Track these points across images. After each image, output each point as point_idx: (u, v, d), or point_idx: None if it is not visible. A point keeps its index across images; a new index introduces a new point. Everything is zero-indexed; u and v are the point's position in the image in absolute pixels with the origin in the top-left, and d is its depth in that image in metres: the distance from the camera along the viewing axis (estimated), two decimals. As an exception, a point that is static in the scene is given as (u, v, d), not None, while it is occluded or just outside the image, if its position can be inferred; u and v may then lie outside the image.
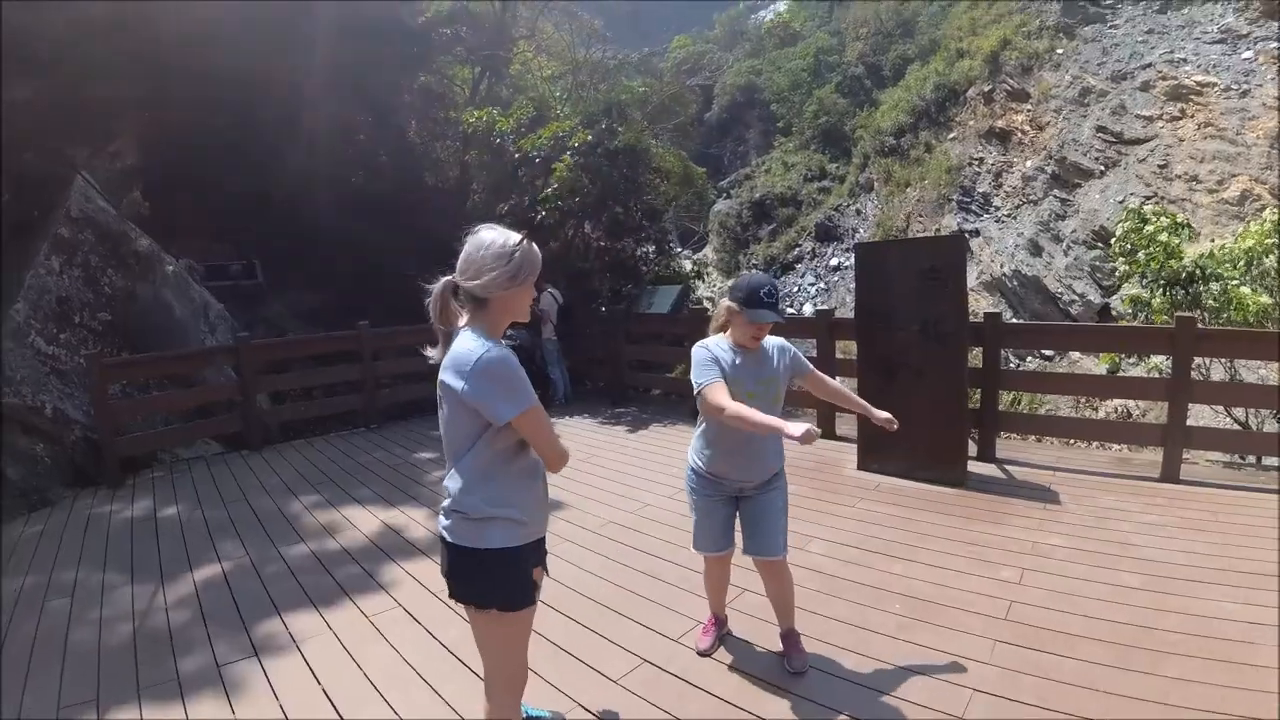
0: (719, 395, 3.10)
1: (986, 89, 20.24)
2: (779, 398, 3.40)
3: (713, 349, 3.30)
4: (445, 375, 2.27)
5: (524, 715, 2.85)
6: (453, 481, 2.37)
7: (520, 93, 14.51)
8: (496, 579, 2.36)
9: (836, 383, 3.63)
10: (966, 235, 18.75)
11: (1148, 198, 14.37)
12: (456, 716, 3.26)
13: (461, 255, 2.33)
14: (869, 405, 3.58)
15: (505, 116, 12.24)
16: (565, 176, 10.56)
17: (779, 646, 3.62)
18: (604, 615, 4.17)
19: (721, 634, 3.81)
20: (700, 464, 3.44)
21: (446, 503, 2.40)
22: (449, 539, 2.37)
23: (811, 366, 3.55)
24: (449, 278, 2.35)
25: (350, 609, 4.46)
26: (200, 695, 3.60)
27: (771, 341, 3.43)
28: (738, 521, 3.51)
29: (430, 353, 2.43)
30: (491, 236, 2.32)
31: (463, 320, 2.38)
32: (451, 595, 2.45)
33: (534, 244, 2.39)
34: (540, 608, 2.61)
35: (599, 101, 12.06)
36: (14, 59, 8.70)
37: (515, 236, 2.33)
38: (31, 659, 4.06)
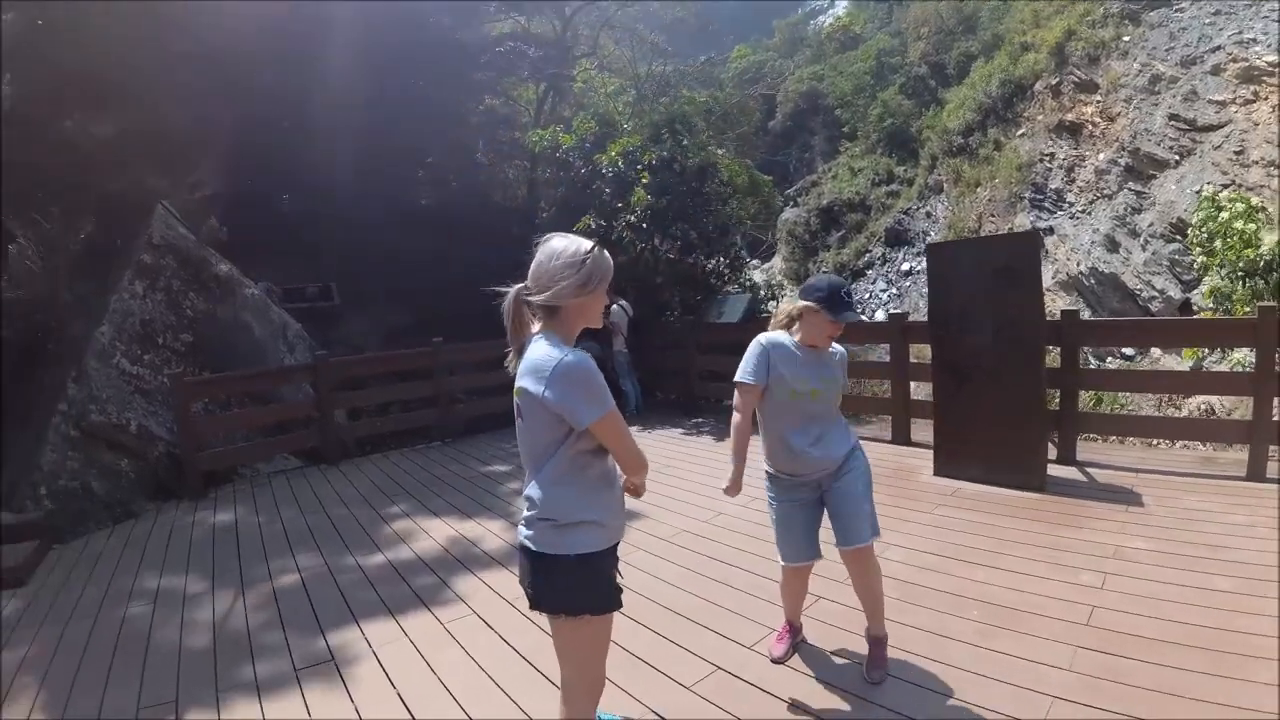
0: (743, 399, 3.30)
1: (1054, 82, 19.66)
2: (839, 397, 3.42)
3: (771, 345, 3.31)
4: (524, 382, 2.29)
5: (596, 720, 2.86)
6: (535, 490, 2.37)
7: (583, 110, 14.67)
8: (583, 584, 2.36)
9: None
10: (1040, 233, 18.26)
11: (1225, 185, 13.75)
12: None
13: (533, 264, 2.35)
14: None
15: (569, 134, 12.38)
16: (646, 199, 10.65)
17: (856, 655, 3.56)
18: (677, 622, 4.16)
19: (796, 641, 3.76)
20: (768, 466, 3.44)
21: (528, 512, 2.39)
22: (533, 548, 2.36)
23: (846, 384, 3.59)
24: (520, 285, 2.36)
25: (425, 616, 4.55)
26: (277, 698, 3.71)
27: (835, 345, 3.43)
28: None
29: (509, 364, 2.45)
30: (563, 245, 2.33)
31: (535, 328, 2.39)
32: (533, 606, 2.44)
33: (605, 251, 2.40)
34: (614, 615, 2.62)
35: (663, 114, 12.10)
36: (96, 95, 9.18)
37: (586, 244, 2.34)
38: (113, 661, 4.25)
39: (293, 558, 5.79)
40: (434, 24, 14.79)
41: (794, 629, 3.79)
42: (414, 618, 4.53)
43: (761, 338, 3.37)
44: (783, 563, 3.53)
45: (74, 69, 9.11)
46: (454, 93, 15.09)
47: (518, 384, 2.33)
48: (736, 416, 3.32)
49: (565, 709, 2.56)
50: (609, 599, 2.42)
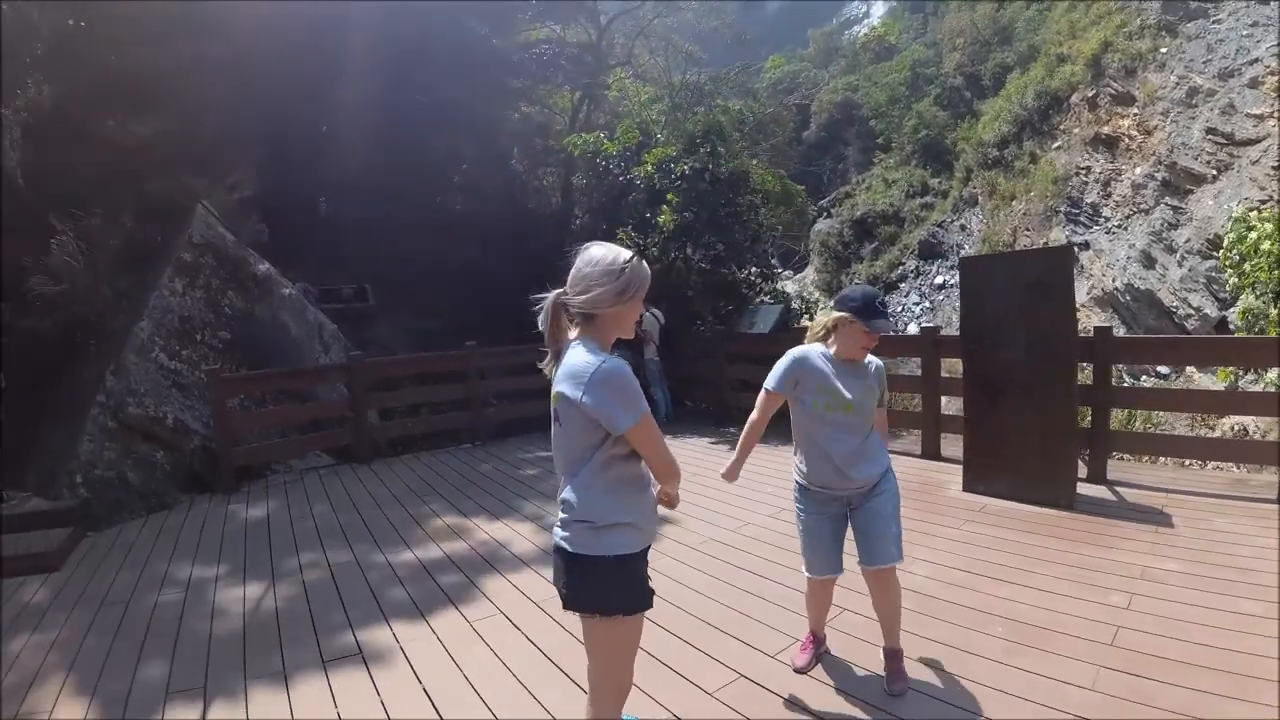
0: (762, 402, 3.49)
1: (1090, 94, 19.50)
2: (876, 411, 3.43)
3: (804, 359, 3.38)
4: (562, 387, 2.34)
5: (620, 722, 2.92)
6: (571, 494, 2.41)
7: (618, 119, 14.77)
8: (619, 585, 2.42)
9: (884, 424, 3.64)
10: (1076, 248, 18.08)
11: (1263, 201, 13.57)
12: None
13: (572, 270, 2.40)
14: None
15: (612, 141, 12.46)
16: (673, 219, 10.74)
17: (878, 668, 3.58)
18: (702, 630, 4.20)
19: (819, 652, 3.79)
20: (800, 478, 3.48)
21: (564, 515, 2.44)
22: (570, 549, 2.41)
23: (886, 401, 3.58)
24: (559, 291, 2.42)
25: (453, 614, 4.62)
26: (304, 689, 3.79)
27: (876, 361, 3.47)
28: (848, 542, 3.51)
29: (542, 365, 2.52)
30: (601, 253, 2.38)
31: (573, 334, 2.45)
32: (567, 606, 2.49)
33: (643, 261, 2.46)
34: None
35: (698, 124, 12.17)
36: (135, 96, 9.40)
37: (626, 253, 2.40)
38: (144, 646, 4.36)
39: (323, 553, 5.91)
40: (470, 30, 14.95)
41: (818, 640, 3.81)
42: (442, 616, 4.60)
43: (795, 350, 3.43)
44: (808, 575, 3.56)
45: (113, 70, 9.34)
46: (489, 99, 15.23)
47: (555, 389, 2.39)
48: (753, 415, 3.53)
49: (592, 709, 2.61)
50: (642, 599, 2.47)
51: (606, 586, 2.42)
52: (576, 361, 2.33)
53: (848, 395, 3.29)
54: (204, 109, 10.43)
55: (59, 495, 6.93)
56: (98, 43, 9.41)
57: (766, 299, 12.79)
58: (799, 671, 3.66)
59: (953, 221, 25.10)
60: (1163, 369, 14.47)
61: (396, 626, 4.47)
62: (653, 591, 2.52)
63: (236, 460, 8.11)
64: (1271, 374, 7.72)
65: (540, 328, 2.45)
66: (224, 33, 10.77)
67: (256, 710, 3.61)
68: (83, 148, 8.88)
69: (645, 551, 2.51)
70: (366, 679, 3.85)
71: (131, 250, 9.08)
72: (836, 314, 3.34)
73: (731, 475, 3.50)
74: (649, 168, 11.30)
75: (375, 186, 13.07)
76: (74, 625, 4.75)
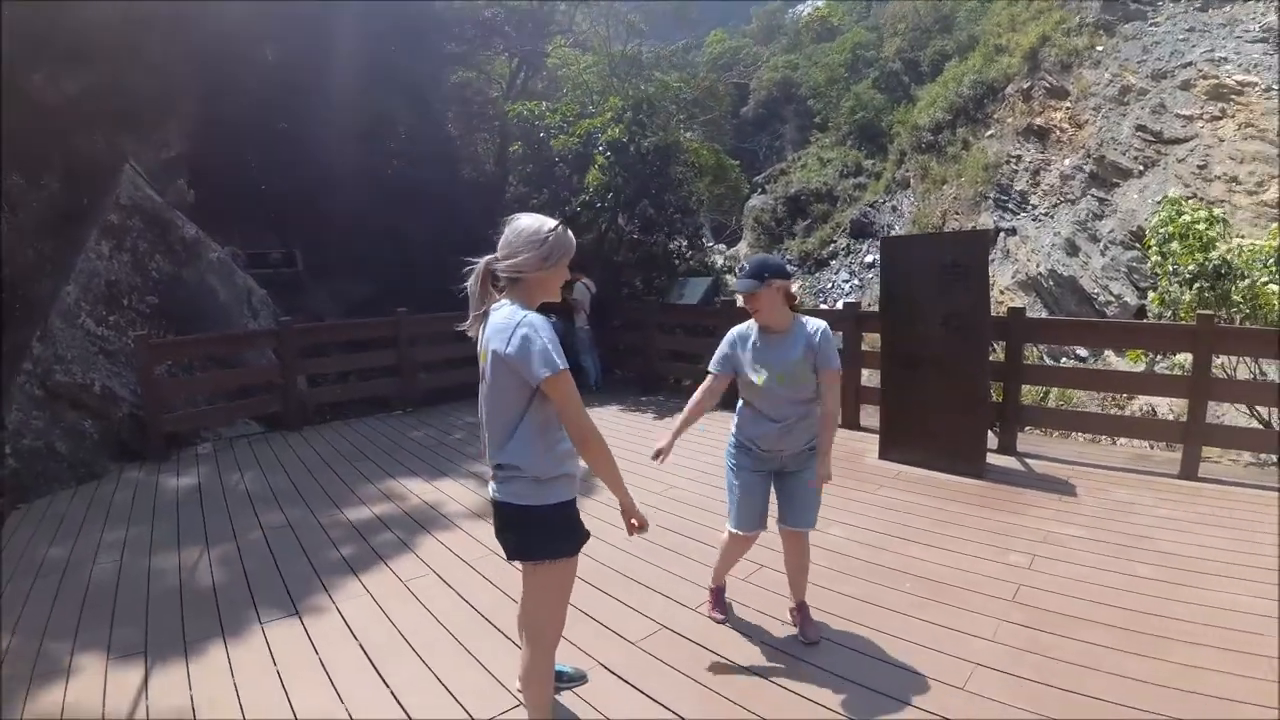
0: (705, 387, 3.59)
1: (1025, 86, 20.01)
2: (801, 382, 3.40)
3: (736, 338, 3.53)
4: (493, 344, 2.47)
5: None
6: (514, 456, 2.52)
7: (556, 86, 14.67)
8: (563, 529, 2.57)
9: (834, 403, 3.50)
10: (1003, 233, 18.64)
11: (1187, 198, 14.17)
12: (485, 671, 3.49)
13: (502, 238, 2.57)
14: (826, 454, 3.48)
15: (553, 111, 12.41)
16: (600, 179, 10.76)
17: (792, 620, 3.78)
18: (628, 585, 4.37)
19: (724, 599, 3.99)
20: (739, 436, 3.59)
21: (506, 474, 2.55)
22: (516, 502, 2.54)
23: (832, 367, 3.41)
24: (490, 256, 2.57)
25: (386, 573, 4.71)
26: (243, 646, 3.85)
27: (813, 325, 3.45)
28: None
29: (464, 327, 2.64)
30: (528, 222, 2.56)
31: (499, 299, 2.58)
32: (514, 557, 2.65)
33: (568, 230, 2.62)
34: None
35: (631, 96, 12.19)
36: (65, 52, 9.05)
37: (551, 222, 2.57)
38: (82, 614, 4.34)
39: (256, 517, 5.90)
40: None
41: (722, 591, 3.99)
42: (376, 576, 4.68)
43: (732, 329, 3.58)
44: (735, 529, 3.64)
45: (41, 25, 8.98)
46: (425, 63, 14.96)
47: (486, 347, 2.52)
48: (695, 394, 3.62)
49: (532, 659, 2.72)
50: (580, 538, 2.64)
51: (554, 533, 2.57)
52: (501, 318, 2.49)
53: (771, 368, 3.41)
54: (132, 65, 10.06)
55: (-14, 467, 6.75)
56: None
57: (698, 269, 12.95)
58: (720, 623, 3.86)
59: (885, 202, 25.58)
60: (1082, 351, 15.05)
61: (331, 587, 4.54)
62: (588, 532, 2.68)
63: (165, 428, 7.93)
64: (1179, 357, 8.12)
65: (469, 290, 2.59)
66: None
67: (197, 669, 3.66)
68: (7, 106, 8.53)
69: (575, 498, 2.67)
70: (304, 636, 3.92)
71: (56, 212, 8.78)
72: None
73: (661, 456, 3.46)
74: (575, 139, 11.31)
75: (305, 150, 12.75)
76: (11, 595, 4.68)
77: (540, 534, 2.56)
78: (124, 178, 9.04)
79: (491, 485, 2.62)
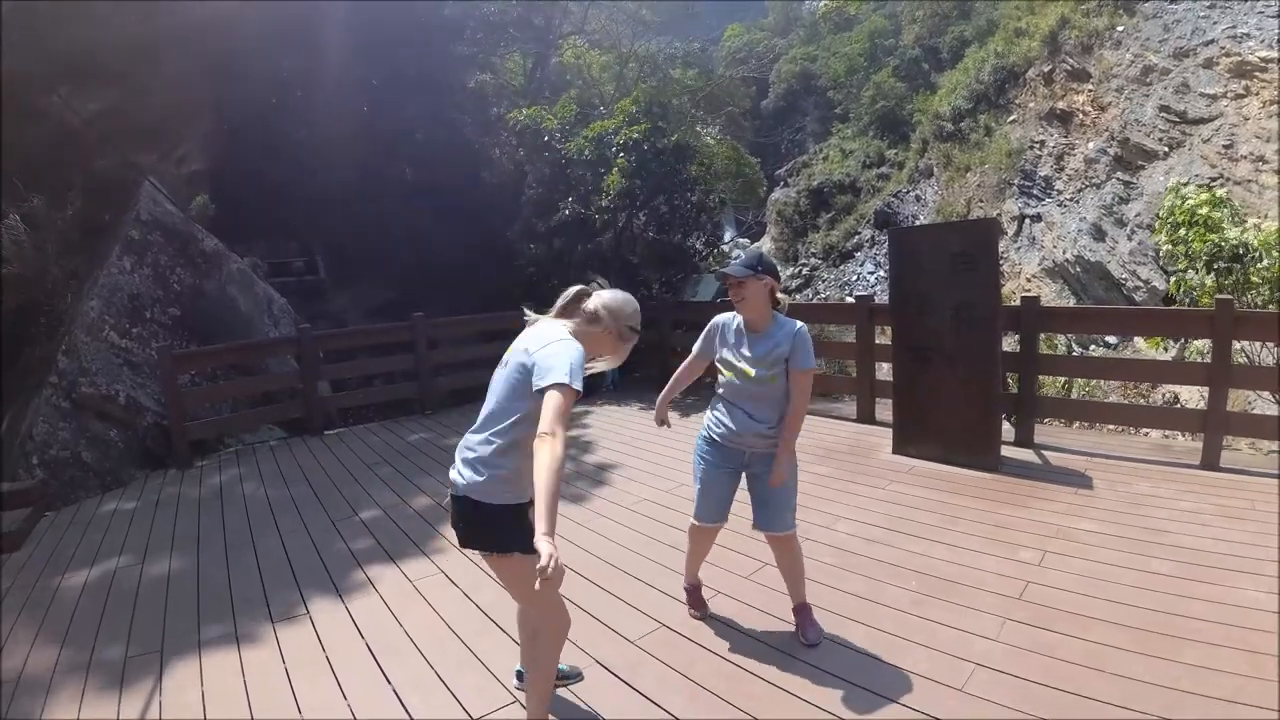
0: (689, 361, 3.84)
1: (1046, 69, 19.70)
2: (771, 380, 3.41)
3: (716, 326, 3.61)
4: (523, 343, 2.71)
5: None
6: (499, 456, 2.63)
7: (570, 83, 14.63)
8: (520, 527, 2.60)
9: (801, 404, 3.43)
10: (1028, 220, 18.40)
11: (1213, 179, 13.90)
12: (485, 669, 3.55)
13: (613, 292, 2.92)
14: (785, 451, 3.44)
15: (550, 115, 12.43)
16: (620, 183, 10.78)
17: (792, 619, 3.75)
18: (628, 583, 4.39)
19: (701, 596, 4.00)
20: (708, 428, 3.65)
21: (483, 467, 2.63)
22: (484, 500, 2.62)
23: (804, 367, 3.39)
24: (594, 283, 2.94)
25: (396, 573, 4.80)
26: (255, 646, 3.96)
27: (791, 325, 3.46)
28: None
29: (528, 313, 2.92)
30: (634, 309, 2.93)
31: (564, 321, 2.82)
32: (466, 545, 2.77)
33: (637, 337, 2.97)
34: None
35: (646, 95, 12.16)
36: (83, 71, 9.23)
37: (638, 328, 2.95)
38: (103, 616, 4.49)
39: (274, 521, 6.01)
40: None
41: (697, 587, 4.00)
42: (386, 576, 4.77)
43: (717, 316, 3.63)
44: (695, 520, 3.70)
45: (61, 45, 9.15)
46: (440, 68, 15.05)
47: (517, 345, 2.73)
48: (683, 364, 3.88)
49: (538, 657, 2.86)
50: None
51: (509, 529, 2.63)
52: (550, 328, 2.73)
53: (746, 364, 3.44)
54: (150, 82, 10.23)
55: (15, 476, 6.92)
56: (46, 17, 9.16)
57: (715, 266, 12.92)
58: (699, 619, 3.89)
59: (908, 192, 25.31)
60: (1110, 339, 14.80)
61: (342, 587, 4.63)
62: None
63: (189, 435, 8.10)
64: (1198, 344, 7.94)
65: (559, 300, 2.89)
66: (170, 4, 10.55)
67: (210, 668, 3.76)
68: (30, 125, 8.71)
69: None
70: (313, 636, 4.02)
71: (80, 229, 8.97)
72: None
73: (657, 418, 3.97)
74: (584, 141, 11.33)
75: (324, 159, 12.91)
76: (37, 598, 4.85)
77: (500, 529, 2.65)
78: (144, 194, 9.21)
79: (465, 475, 2.66)
